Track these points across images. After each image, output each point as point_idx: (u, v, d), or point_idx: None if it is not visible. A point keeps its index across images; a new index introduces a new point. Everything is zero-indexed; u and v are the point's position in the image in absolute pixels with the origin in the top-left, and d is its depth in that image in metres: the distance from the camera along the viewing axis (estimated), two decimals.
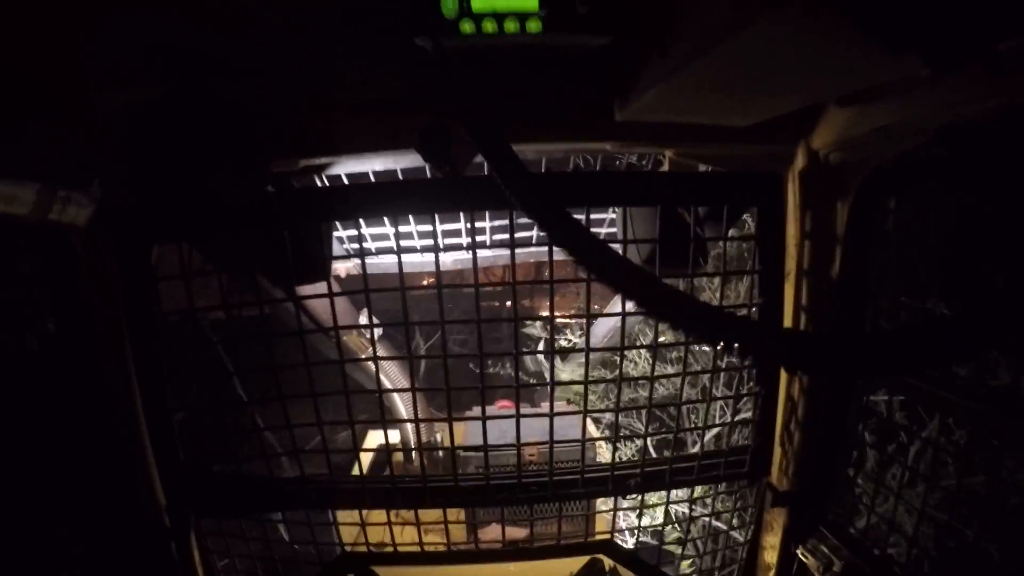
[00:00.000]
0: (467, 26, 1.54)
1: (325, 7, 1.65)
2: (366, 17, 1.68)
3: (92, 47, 1.64)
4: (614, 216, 3.39)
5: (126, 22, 1.54)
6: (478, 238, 2.31)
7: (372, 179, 2.52)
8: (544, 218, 1.29)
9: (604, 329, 6.49)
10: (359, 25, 1.73)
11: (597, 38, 1.61)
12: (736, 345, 1.24)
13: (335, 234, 3.06)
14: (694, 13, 1.41)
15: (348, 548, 2.92)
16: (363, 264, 2.28)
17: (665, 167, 2.43)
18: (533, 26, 1.55)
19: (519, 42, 1.58)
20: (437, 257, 2.21)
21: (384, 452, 4.00)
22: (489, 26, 1.54)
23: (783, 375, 2.66)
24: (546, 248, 2.43)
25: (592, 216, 3.74)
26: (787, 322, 2.57)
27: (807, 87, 1.69)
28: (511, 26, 1.54)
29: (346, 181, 2.65)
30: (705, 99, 1.77)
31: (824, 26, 1.11)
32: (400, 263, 2.25)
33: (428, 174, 2.43)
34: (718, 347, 1.83)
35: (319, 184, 2.66)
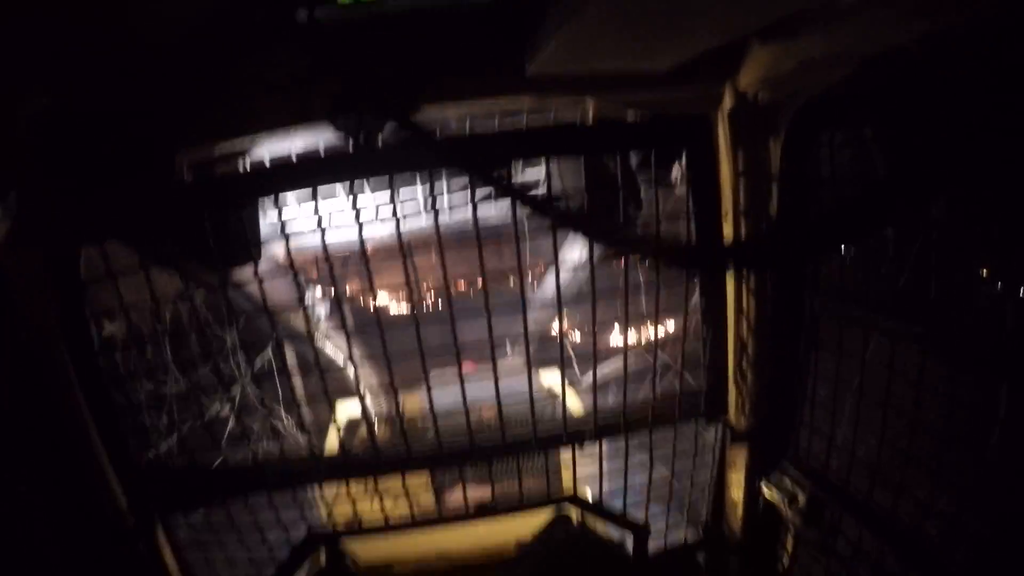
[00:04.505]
0: None
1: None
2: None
3: None
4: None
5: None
6: (408, 209, 2.28)
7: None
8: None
9: (551, 289, 6.46)
10: (248, 8, 1.66)
11: None
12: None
13: (269, 221, 3.01)
14: None
15: (316, 527, 2.94)
16: (287, 243, 2.24)
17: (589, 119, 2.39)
18: None
19: (400, 7, 1.51)
20: (360, 231, 2.18)
21: (352, 424, 4.01)
22: None
23: (730, 313, 2.68)
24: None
25: (526, 179, 3.75)
26: None
27: (719, 19, 1.64)
28: None
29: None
30: (613, 41, 1.73)
31: None
32: (324, 240, 2.22)
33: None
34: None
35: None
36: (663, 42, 1.79)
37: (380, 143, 2.07)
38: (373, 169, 2.21)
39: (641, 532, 3.03)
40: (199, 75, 1.94)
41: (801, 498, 2.69)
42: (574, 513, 3.05)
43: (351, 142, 2.15)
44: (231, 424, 2.68)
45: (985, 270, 2.30)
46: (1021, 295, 2.05)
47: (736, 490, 3.03)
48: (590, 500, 3.07)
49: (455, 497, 3.05)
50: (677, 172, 2.49)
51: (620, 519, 3.00)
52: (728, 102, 2.30)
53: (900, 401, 2.29)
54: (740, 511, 3.03)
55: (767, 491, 2.85)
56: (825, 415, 2.65)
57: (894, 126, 2.16)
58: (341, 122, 1.90)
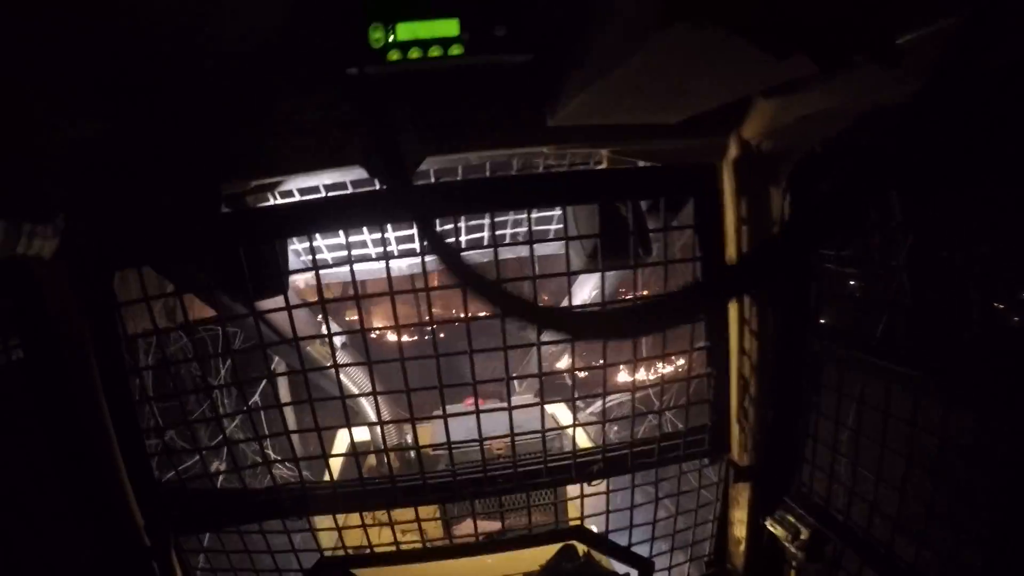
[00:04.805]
0: (394, 55, 1.63)
1: (263, 45, 1.72)
2: (303, 49, 1.75)
3: (41, 82, 1.69)
4: (560, 213, 3.49)
5: (73, 58, 1.60)
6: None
7: (323, 192, 2.58)
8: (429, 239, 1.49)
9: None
10: (297, 56, 1.80)
11: (517, 57, 1.71)
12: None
13: (292, 247, 3.12)
14: (602, 30, 1.51)
15: (327, 553, 2.98)
16: (318, 277, 2.34)
17: (603, 165, 2.53)
18: (455, 51, 1.65)
19: (444, 66, 1.67)
20: (388, 265, 2.29)
21: (359, 455, 4.06)
22: (415, 53, 1.64)
23: (733, 353, 2.77)
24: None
25: (541, 214, 3.88)
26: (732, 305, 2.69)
27: (721, 88, 1.78)
28: (435, 52, 1.65)
29: (298, 195, 2.71)
30: (628, 103, 1.87)
31: (711, 40, 1.20)
32: (353, 273, 2.33)
33: (376, 185, 2.50)
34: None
35: (272, 201, 2.72)
36: (675, 101, 1.91)
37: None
38: (407, 212, 2.33)
39: (647, 568, 3.08)
40: (240, 114, 2.07)
41: (804, 534, 2.74)
42: (579, 547, 3.10)
43: (380, 184, 2.28)
44: (234, 452, 2.73)
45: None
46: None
47: (739, 527, 3.07)
48: (596, 534, 3.11)
49: (464, 529, 3.10)
50: (686, 216, 2.61)
51: (626, 553, 3.05)
52: (733, 151, 2.44)
53: (897, 440, 2.36)
54: (743, 548, 3.07)
55: (770, 527, 2.90)
56: (826, 453, 2.72)
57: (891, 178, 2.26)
58: (375, 167, 2.02)
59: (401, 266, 3.36)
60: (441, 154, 2.17)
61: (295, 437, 2.75)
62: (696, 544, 3.28)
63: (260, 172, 2.24)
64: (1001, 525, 2.04)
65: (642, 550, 3.12)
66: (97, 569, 2.56)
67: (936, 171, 1.82)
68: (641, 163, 2.51)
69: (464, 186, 2.34)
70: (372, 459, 5.85)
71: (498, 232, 3.47)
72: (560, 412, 6.68)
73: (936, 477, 2.20)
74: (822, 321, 2.70)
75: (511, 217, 3.89)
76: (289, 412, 3.16)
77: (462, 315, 2.44)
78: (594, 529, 3.12)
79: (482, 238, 3.84)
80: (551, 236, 3.83)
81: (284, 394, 5.17)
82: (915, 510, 2.31)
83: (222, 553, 2.95)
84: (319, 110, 2.09)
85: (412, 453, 2.71)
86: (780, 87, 2.01)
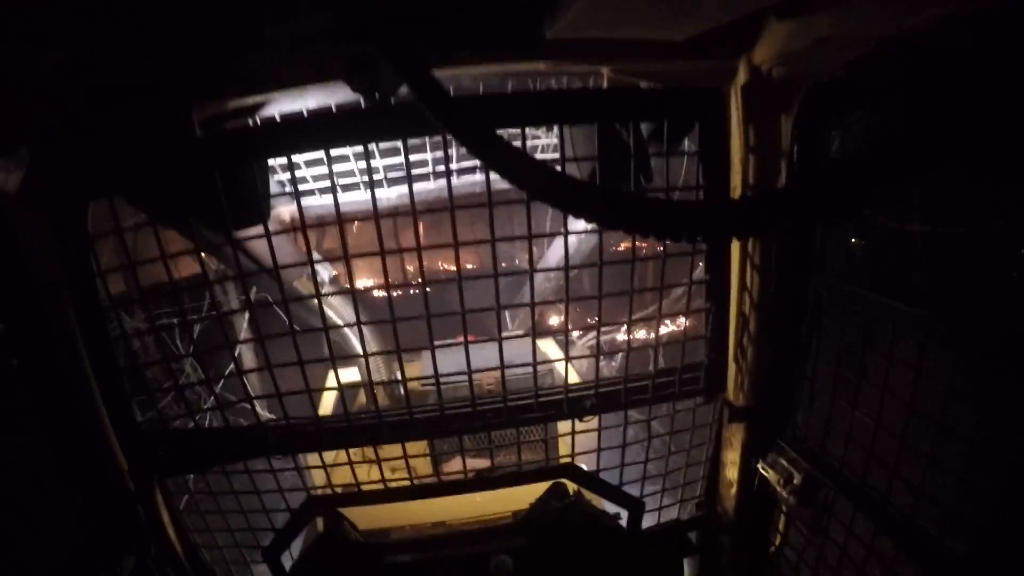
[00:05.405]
0: None
1: None
2: None
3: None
4: (555, 141, 3.35)
5: None
6: (420, 171, 2.25)
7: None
8: (473, 140, 1.33)
9: (558, 255, 6.49)
10: None
11: None
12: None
13: (276, 179, 2.98)
14: None
15: (314, 492, 2.94)
16: (298, 201, 2.22)
17: (604, 87, 2.38)
18: None
19: None
20: (373, 191, 2.15)
21: (351, 390, 3.99)
22: None
23: (734, 290, 2.69)
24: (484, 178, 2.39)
25: (533, 143, 3.74)
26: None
27: None
28: None
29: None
30: (635, 9, 1.73)
31: None
32: (336, 199, 2.21)
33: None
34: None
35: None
36: (683, 11, 1.78)
37: (394, 104, 2.06)
38: (393, 131, 2.19)
39: (637, 507, 3.05)
40: (218, 29, 1.92)
41: (796, 478, 2.70)
42: (569, 485, 3.06)
43: (365, 103, 2.14)
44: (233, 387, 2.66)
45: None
46: None
47: (731, 469, 3.04)
48: (586, 472, 3.07)
49: (453, 466, 3.06)
50: (688, 144, 2.49)
51: (616, 492, 3.01)
52: (742, 77, 2.29)
53: (901, 387, 2.30)
54: (734, 490, 3.05)
55: (763, 470, 2.86)
56: (825, 397, 2.66)
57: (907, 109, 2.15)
58: (359, 82, 1.89)
59: (390, 195, 3.23)
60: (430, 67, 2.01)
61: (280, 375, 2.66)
62: (687, 485, 3.25)
63: (238, 90, 2.09)
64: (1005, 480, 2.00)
65: (633, 490, 3.09)
66: (82, 516, 2.50)
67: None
68: (644, 86, 2.37)
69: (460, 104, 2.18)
70: (361, 399, 5.84)
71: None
72: (551, 350, 6.66)
73: (939, 427, 2.15)
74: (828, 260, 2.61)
75: None
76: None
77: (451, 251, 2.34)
78: (584, 467, 3.08)
79: (474, 166, 3.71)
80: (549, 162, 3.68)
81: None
82: (914, 459, 2.27)
83: (209, 495, 2.91)
84: (301, 24, 1.93)
85: (400, 389, 2.62)
86: (794, 7, 1.87)
